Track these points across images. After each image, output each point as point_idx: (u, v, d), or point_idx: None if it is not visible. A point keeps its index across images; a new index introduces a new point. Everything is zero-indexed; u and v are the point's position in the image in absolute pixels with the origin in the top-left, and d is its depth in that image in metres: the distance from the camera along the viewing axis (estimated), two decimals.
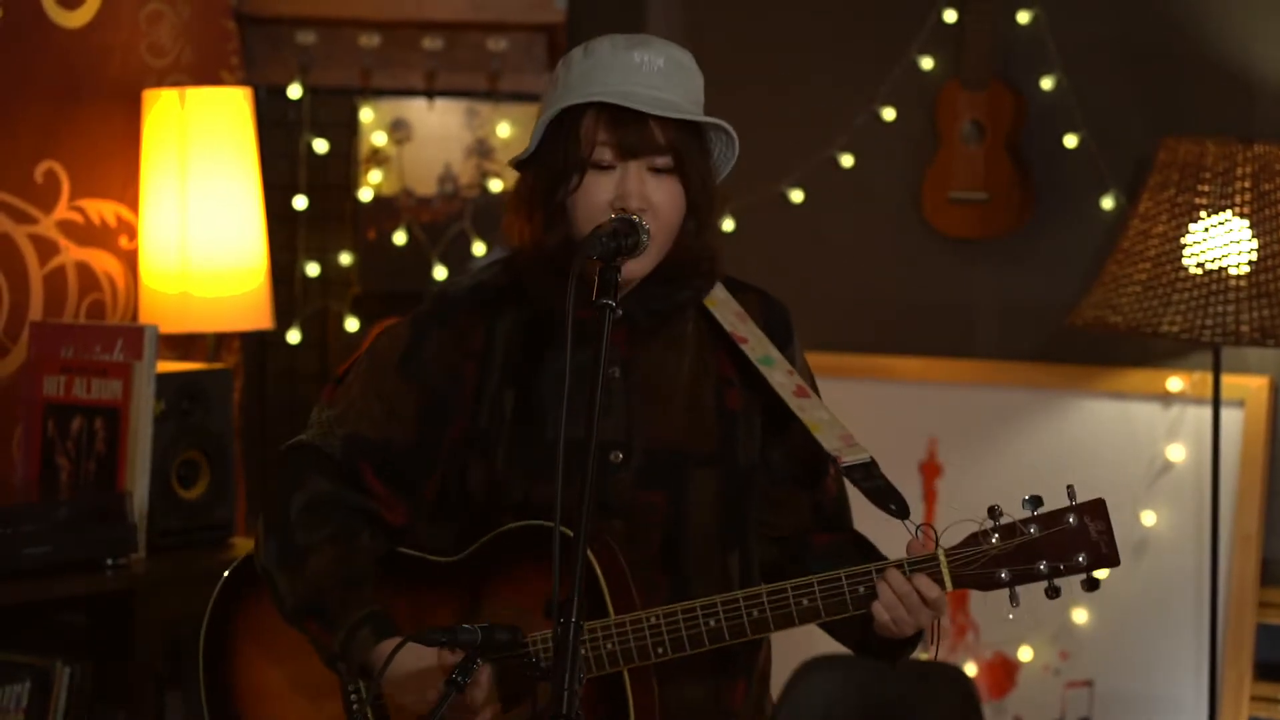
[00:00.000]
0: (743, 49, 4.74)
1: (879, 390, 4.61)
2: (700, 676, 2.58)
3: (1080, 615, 4.44)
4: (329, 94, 4.79)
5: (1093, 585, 2.43)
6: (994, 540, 2.43)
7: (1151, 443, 4.40)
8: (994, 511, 2.43)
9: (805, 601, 2.46)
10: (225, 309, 4.13)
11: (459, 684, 2.33)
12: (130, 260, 4.20)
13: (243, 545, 3.87)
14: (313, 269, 4.78)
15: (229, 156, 4.13)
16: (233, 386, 4.06)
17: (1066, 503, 2.44)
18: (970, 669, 4.50)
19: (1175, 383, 4.38)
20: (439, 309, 2.63)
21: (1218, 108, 4.34)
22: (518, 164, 2.59)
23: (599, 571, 2.47)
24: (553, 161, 2.52)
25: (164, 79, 4.26)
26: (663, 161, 2.51)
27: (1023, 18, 4.49)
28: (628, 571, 2.51)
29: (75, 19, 4.10)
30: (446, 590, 2.59)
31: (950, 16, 4.57)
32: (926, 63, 4.61)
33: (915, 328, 4.66)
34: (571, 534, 2.20)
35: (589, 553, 2.43)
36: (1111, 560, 2.43)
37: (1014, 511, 2.43)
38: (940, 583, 2.44)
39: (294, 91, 4.75)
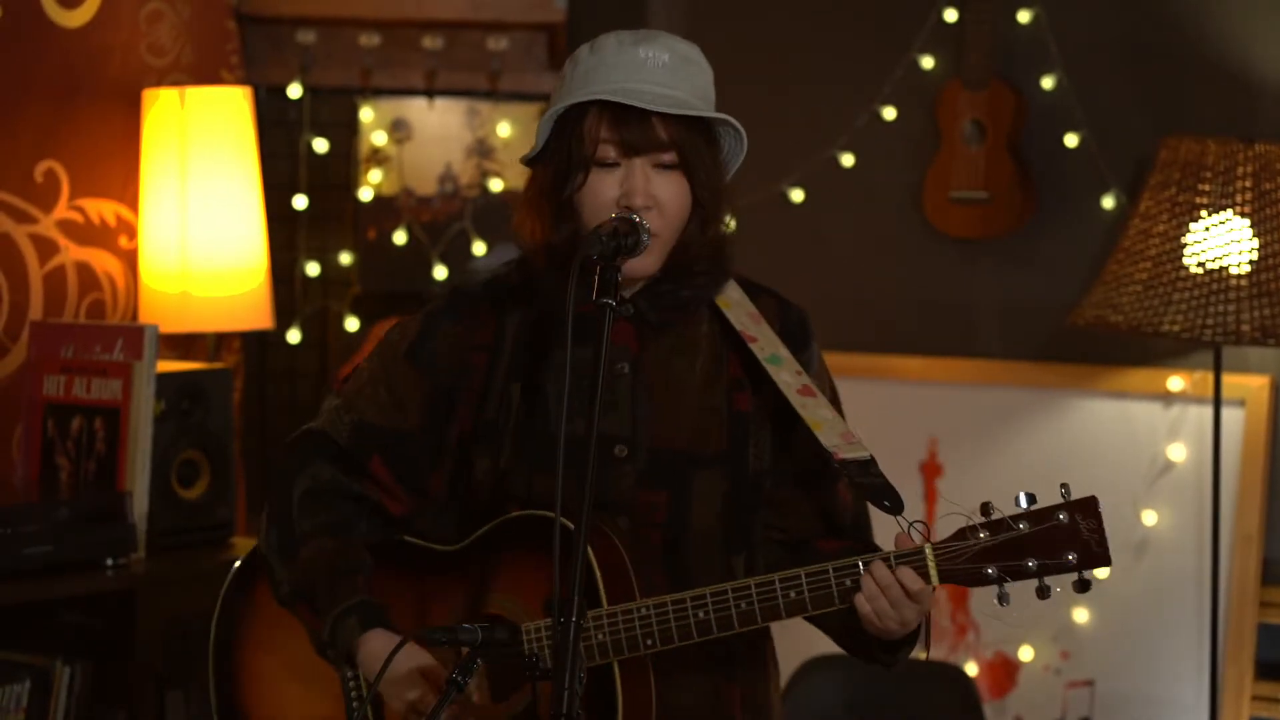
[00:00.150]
0: (743, 49, 4.73)
1: (880, 390, 4.61)
2: (699, 677, 2.57)
3: (1081, 615, 4.43)
4: (329, 94, 4.79)
5: (1084, 586, 2.36)
6: (982, 535, 2.39)
7: (1152, 442, 4.40)
8: (987, 508, 2.40)
9: (792, 594, 2.44)
10: (225, 309, 4.12)
11: (459, 684, 2.33)
12: (130, 260, 4.20)
13: (243, 545, 3.87)
14: (313, 269, 4.78)
15: (229, 156, 4.13)
16: (233, 386, 4.06)
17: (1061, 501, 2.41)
18: (971, 669, 4.50)
19: (1176, 382, 4.37)
20: (451, 302, 2.64)
21: (1218, 107, 4.34)
22: (527, 162, 2.59)
23: (594, 562, 2.47)
24: (559, 160, 2.52)
25: (164, 78, 4.26)
26: (667, 158, 2.51)
27: (1023, 17, 4.49)
28: (629, 563, 2.50)
29: (75, 19, 4.09)
30: (447, 578, 2.60)
31: (951, 16, 4.57)
32: (927, 62, 4.61)
33: (916, 327, 4.66)
34: (572, 526, 2.20)
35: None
36: (1102, 559, 2.37)
37: (1008, 509, 2.40)
38: (925, 576, 2.41)
39: (294, 91, 4.74)
